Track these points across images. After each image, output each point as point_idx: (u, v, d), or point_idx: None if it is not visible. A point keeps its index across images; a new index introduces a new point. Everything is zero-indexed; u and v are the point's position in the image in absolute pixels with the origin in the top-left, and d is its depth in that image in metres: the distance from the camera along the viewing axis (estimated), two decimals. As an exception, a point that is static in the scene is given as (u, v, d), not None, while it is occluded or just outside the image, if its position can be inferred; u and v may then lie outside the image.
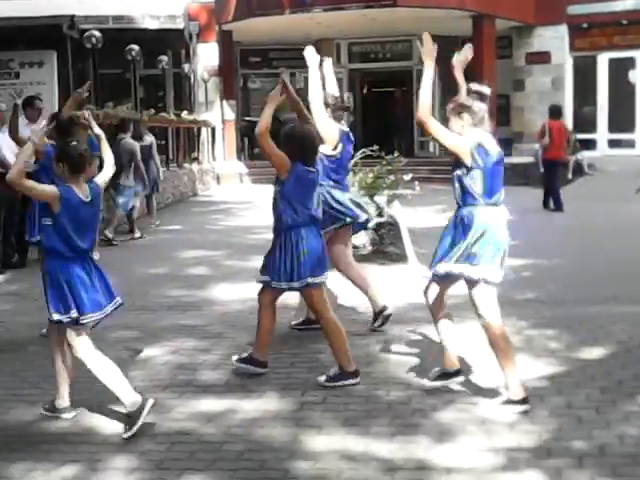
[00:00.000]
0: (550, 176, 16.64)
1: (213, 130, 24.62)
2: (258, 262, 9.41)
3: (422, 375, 5.94)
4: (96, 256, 9.87)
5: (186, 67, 24.15)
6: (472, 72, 23.30)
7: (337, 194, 6.98)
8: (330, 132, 6.83)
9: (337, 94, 7.27)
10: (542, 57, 24.92)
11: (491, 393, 5.55)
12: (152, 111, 17.04)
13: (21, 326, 7.64)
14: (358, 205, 7.27)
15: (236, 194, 20.97)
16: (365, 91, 28.87)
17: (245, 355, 6.17)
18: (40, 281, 9.60)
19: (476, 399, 5.49)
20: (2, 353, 6.73)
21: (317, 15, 22.42)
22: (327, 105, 6.98)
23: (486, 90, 5.56)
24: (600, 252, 11.15)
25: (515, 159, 23.66)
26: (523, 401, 5.27)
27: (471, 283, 5.34)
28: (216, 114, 25.07)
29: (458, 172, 5.33)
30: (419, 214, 14.33)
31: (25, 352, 6.89)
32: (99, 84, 15.67)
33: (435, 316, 5.61)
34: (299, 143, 5.84)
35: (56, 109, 12.06)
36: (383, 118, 26.64)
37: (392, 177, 12.16)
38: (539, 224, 14.26)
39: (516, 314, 7.68)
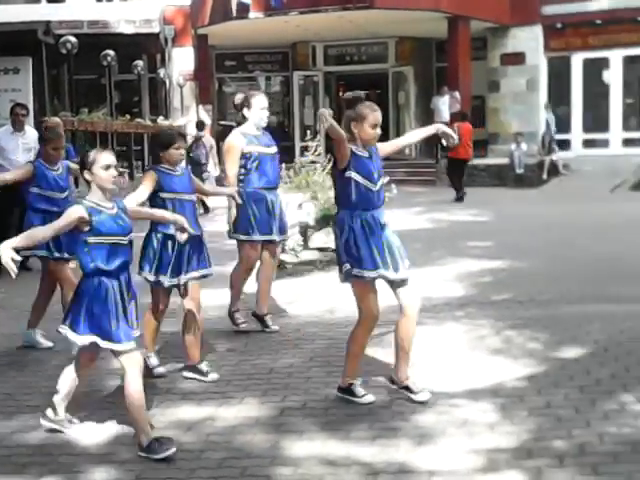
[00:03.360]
0: None
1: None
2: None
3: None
4: None
5: (161, 72, 24.08)
6: (447, 74, 23.27)
7: None
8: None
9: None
10: (517, 58, 24.99)
11: (472, 394, 5.57)
12: (127, 117, 16.95)
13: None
14: None
15: (215, 199, 20.77)
16: (341, 94, 28.87)
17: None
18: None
19: (456, 401, 5.48)
20: None
21: (293, 18, 22.41)
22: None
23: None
24: (575, 251, 11.19)
25: (490, 160, 23.77)
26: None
27: None
28: (193, 119, 24.98)
29: None
30: (396, 216, 14.31)
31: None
32: (74, 90, 15.59)
33: None
34: None
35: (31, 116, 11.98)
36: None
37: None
38: (514, 225, 14.32)
39: (494, 315, 7.72)
